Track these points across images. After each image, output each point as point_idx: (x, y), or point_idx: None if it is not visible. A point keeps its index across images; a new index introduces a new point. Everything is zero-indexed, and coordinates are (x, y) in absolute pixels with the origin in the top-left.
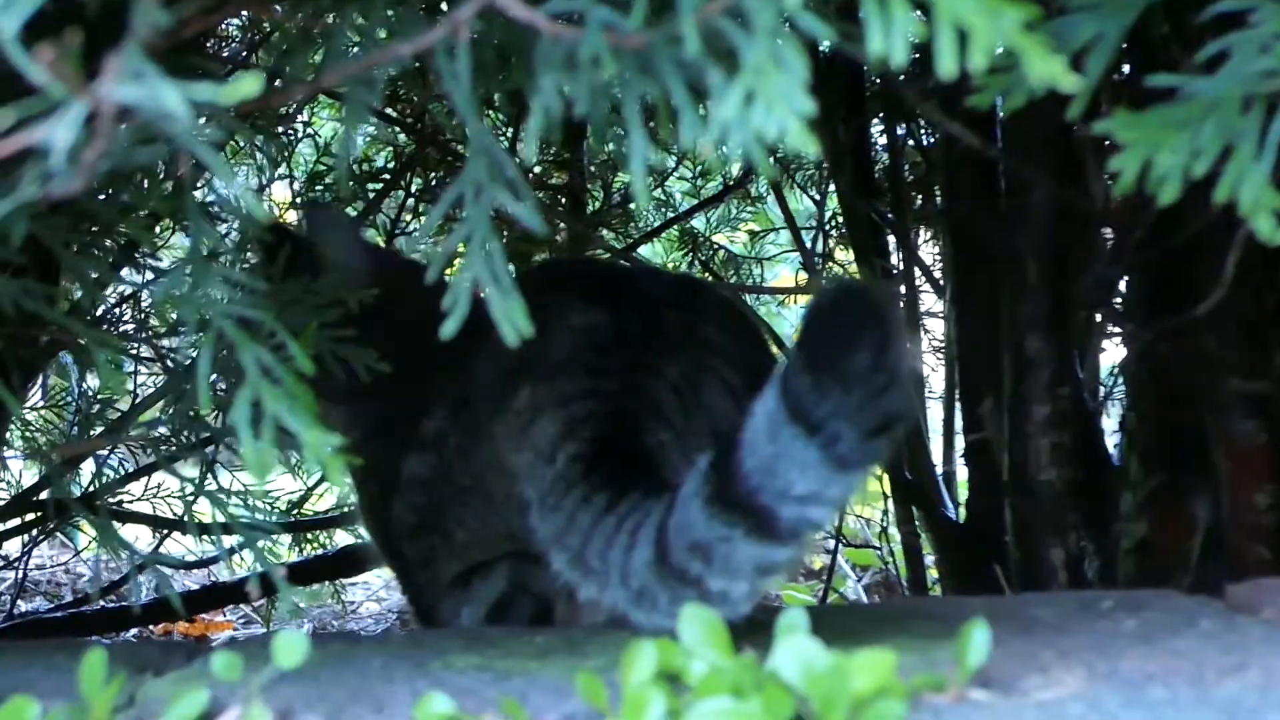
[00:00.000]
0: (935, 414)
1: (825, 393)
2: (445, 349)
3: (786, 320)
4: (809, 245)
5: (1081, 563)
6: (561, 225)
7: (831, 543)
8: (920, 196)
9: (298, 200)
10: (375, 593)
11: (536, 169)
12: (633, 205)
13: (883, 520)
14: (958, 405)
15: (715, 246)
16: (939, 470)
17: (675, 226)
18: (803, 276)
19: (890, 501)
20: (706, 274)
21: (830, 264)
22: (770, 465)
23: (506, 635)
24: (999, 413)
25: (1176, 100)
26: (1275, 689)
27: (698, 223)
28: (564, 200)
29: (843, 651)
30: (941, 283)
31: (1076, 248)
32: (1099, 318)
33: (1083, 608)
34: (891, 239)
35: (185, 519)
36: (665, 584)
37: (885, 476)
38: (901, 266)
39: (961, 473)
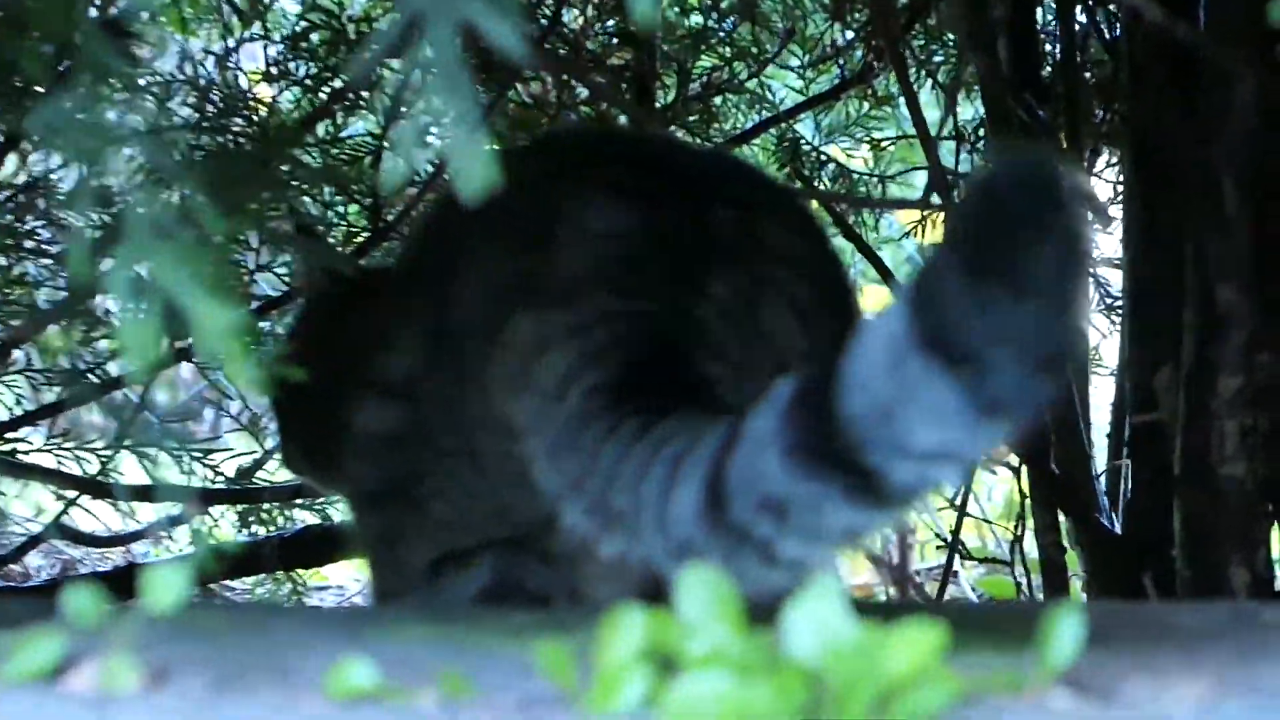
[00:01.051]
0: (1098, 392)
1: (988, 305)
2: (418, 260)
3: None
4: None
5: (1270, 587)
6: (621, 119)
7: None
8: (1101, 107)
9: (273, 69)
10: (349, 598)
11: (591, 44)
12: (717, 99)
13: (1017, 528)
14: (1126, 378)
15: (823, 158)
16: (1096, 463)
17: (773, 129)
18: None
19: (1029, 503)
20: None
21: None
22: (887, 410)
23: (477, 611)
24: (1177, 386)
25: None
26: None
27: (804, 127)
28: (626, 87)
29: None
30: (1117, 216)
31: None
32: None
33: (1236, 618)
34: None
35: (101, 479)
36: (718, 541)
37: (1023, 469)
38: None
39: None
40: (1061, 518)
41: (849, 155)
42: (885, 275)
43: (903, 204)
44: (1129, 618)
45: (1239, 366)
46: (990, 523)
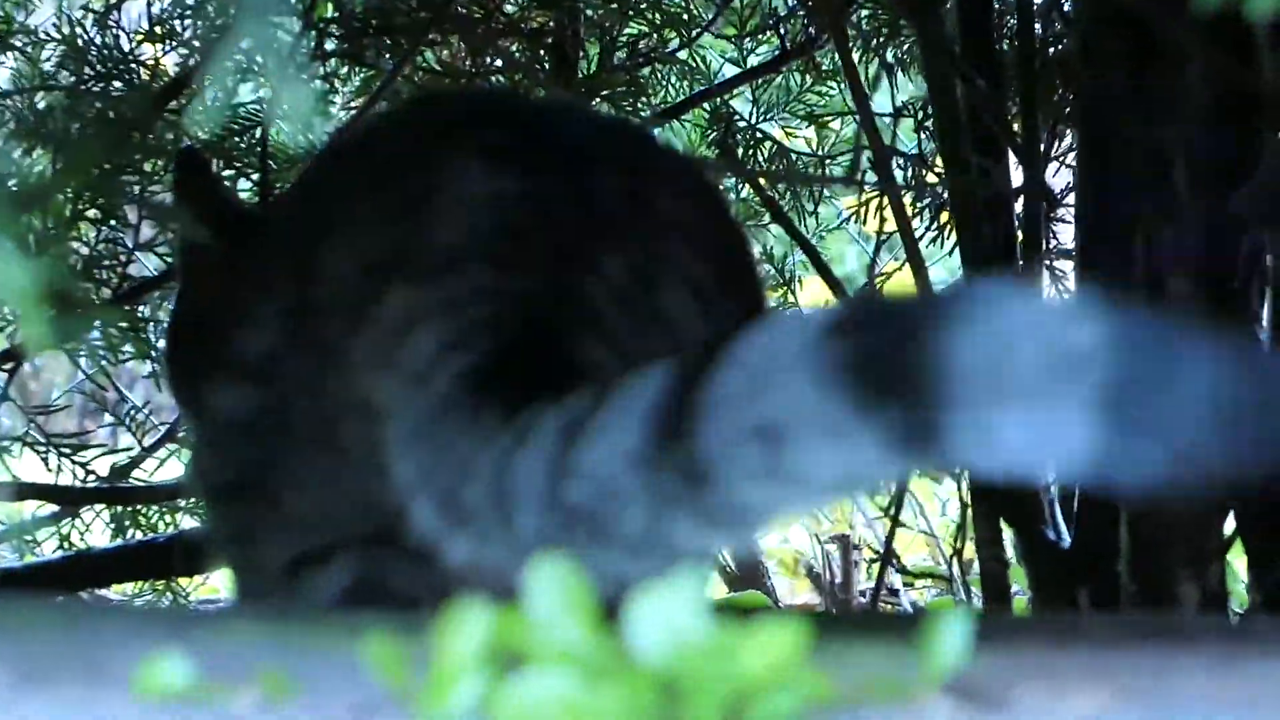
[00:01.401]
0: None
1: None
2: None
3: (853, 240)
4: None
5: (1225, 606)
6: (540, 91)
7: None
8: (1061, 85)
9: (156, 27)
10: None
11: (509, 6)
12: (645, 70)
13: (957, 540)
14: None
15: (758, 136)
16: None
17: (706, 104)
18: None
19: (969, 513)
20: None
21: (923, 169)
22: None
23: (321, 612)
24: None
25: None
26: None
27: (740, 102)
28: (545, 55)
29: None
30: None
31: (1244, 148)
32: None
33: (1161, 631)
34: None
35: None
36: (566, 533)
37: (963, 477)
38: (1021, 177)
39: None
40: (1007, 530)
41: (789, 134)
42: (819, 265)
43: (829, 180)
44: (1038, 627)
45: None
46: (931, 535)
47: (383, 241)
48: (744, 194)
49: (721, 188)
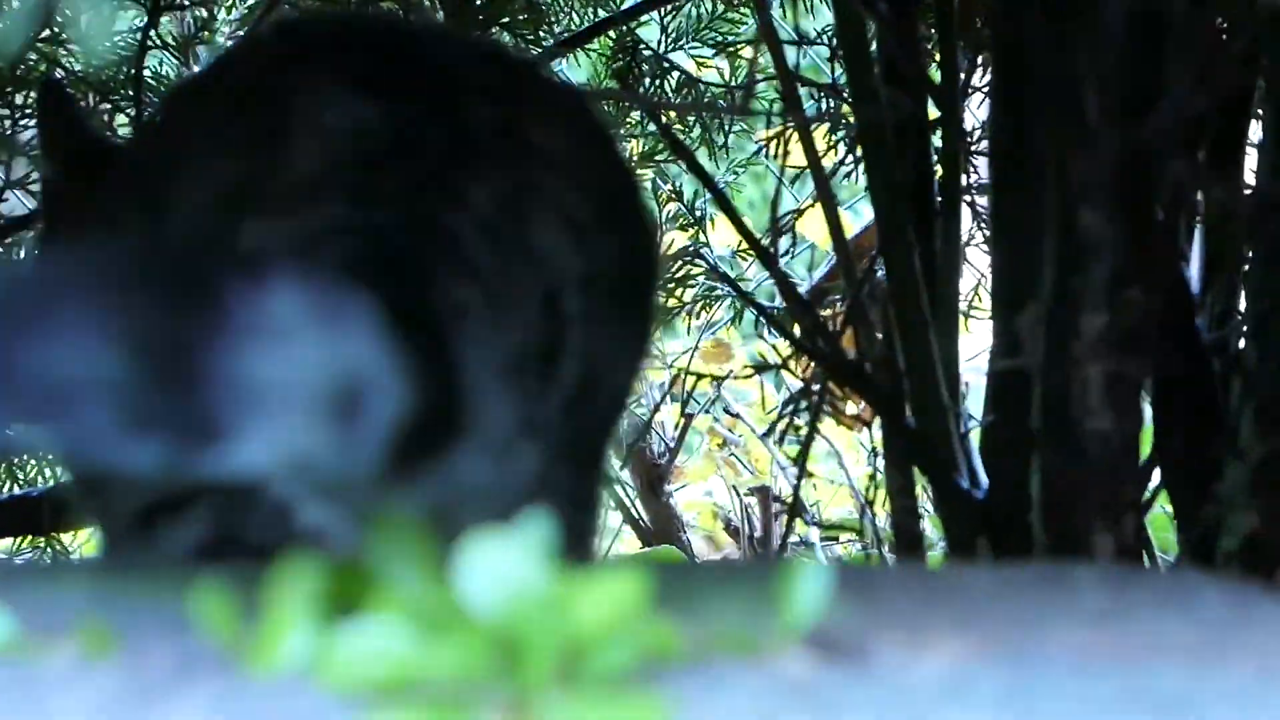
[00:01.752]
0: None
1: None
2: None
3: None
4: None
5: (1139, 558)
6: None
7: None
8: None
9: None
10: None
11: None
12: None
13: (869, 488)
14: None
15: (665, 66)
16: (959, 417)
17: (612, 32)
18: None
19: (880, 460)
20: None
21: (837, 98)
22: None
23: (162, 566)
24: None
25: None
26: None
27: (648, 32)
28: None
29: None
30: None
31: (1158, 74)
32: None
33: (1042, 580)
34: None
35: None
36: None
37: (876, 424)
38: (939, 111)
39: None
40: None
41: (701, 64)
42: (724, 204)
43: (723, 110)
44: (909, 579)
45: (1103, 303)
46: (851, 486)
47: (235, 173)
48: (650, 128)
49: (623, 121)
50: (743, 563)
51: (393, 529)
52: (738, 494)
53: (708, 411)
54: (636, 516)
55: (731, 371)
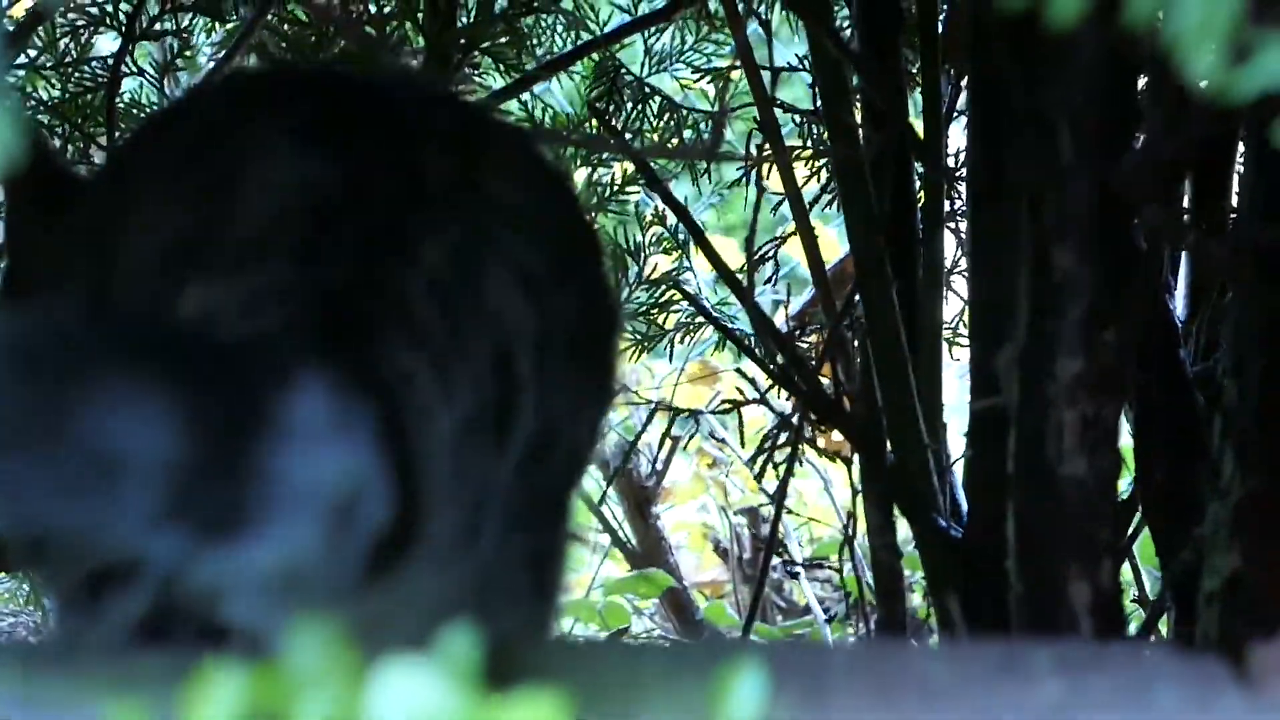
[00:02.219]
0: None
1: None
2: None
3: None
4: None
5: (1117, 604)
6: (411, 44)
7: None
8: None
9: None
10: None
11: None
12: (527, 18)
13: (848, 528)
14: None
15: (646, 91)
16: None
17: (592, 55)
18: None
19: (860, 500)
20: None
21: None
22: None
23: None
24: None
25: None
26: None
27: (630, 54)
28: (420, 7)
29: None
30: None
31: (1130, 115)
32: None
33: (999, 669)
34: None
35: None
36: None
37: (856, 463)
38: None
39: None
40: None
41: (685, 87)
42: (696, 234)
43: (683, 154)
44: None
45: (1078, 346)
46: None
47: (181, 229)
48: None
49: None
50: (687, 645)
51: (315, 638)
52: (726, 515)
53: (694, 434)
54: (624, 539)
55: (705, 408)
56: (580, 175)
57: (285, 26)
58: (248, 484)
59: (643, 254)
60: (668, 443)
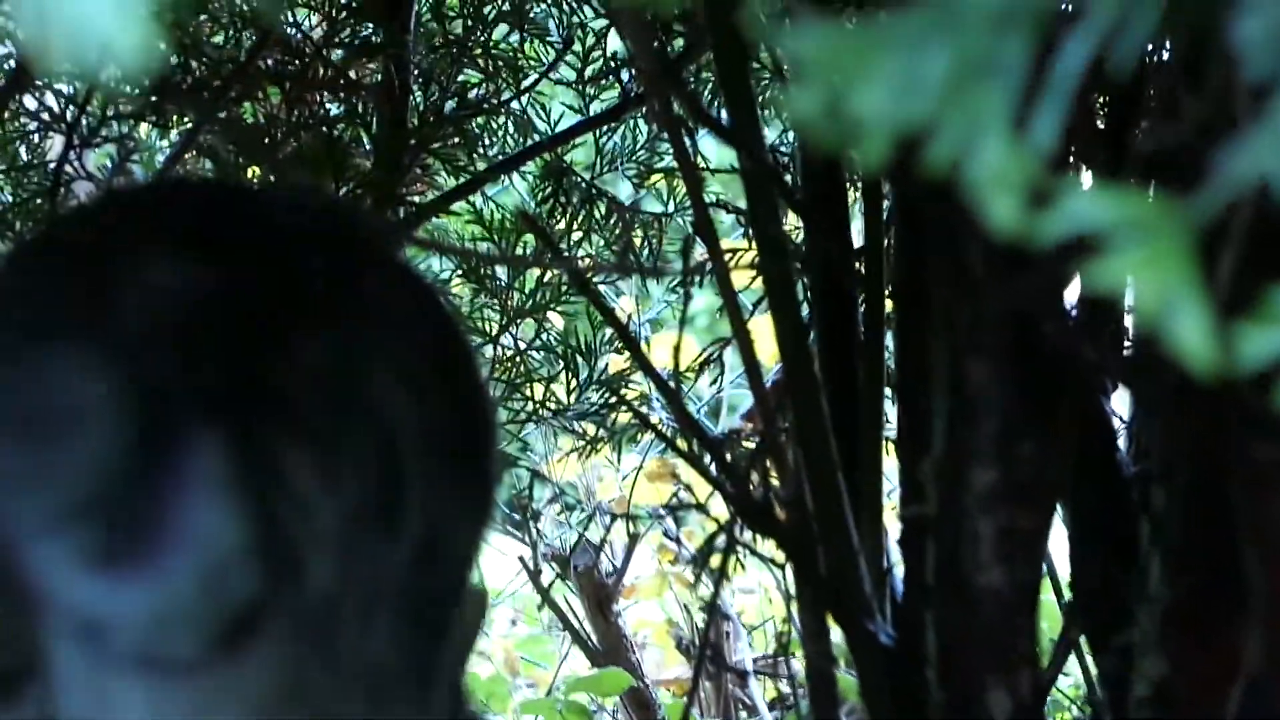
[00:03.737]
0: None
1: None
2: None
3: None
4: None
5: (1037, 715)
6: (360, 147)
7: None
8: None
9: None
10: None
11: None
12: (477, 119)
13: (784, 633)
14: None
15: (595, 193)
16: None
17: (543, 156)
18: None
19: (795, 605)
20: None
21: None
22: None
23: None
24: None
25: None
26: None
27: (581, 153)
28: (369, 110)
29: None
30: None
31: None
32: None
33: None
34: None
35: None
36: None
37: (791, 567)
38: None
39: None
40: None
41: (639, 185)
42: (629, 343)
43: (607, 268)
44: None
45: (993, 457)
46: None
47: (60, 333)
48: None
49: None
50: None
51: None
52: (688, 612)
53: (641, 534)
54: (585, 637)
55: (660, 508)
56: (532, 275)
57: (233, 131)
58: (143, 518)
59: (595, 353)
60: (624, 540)
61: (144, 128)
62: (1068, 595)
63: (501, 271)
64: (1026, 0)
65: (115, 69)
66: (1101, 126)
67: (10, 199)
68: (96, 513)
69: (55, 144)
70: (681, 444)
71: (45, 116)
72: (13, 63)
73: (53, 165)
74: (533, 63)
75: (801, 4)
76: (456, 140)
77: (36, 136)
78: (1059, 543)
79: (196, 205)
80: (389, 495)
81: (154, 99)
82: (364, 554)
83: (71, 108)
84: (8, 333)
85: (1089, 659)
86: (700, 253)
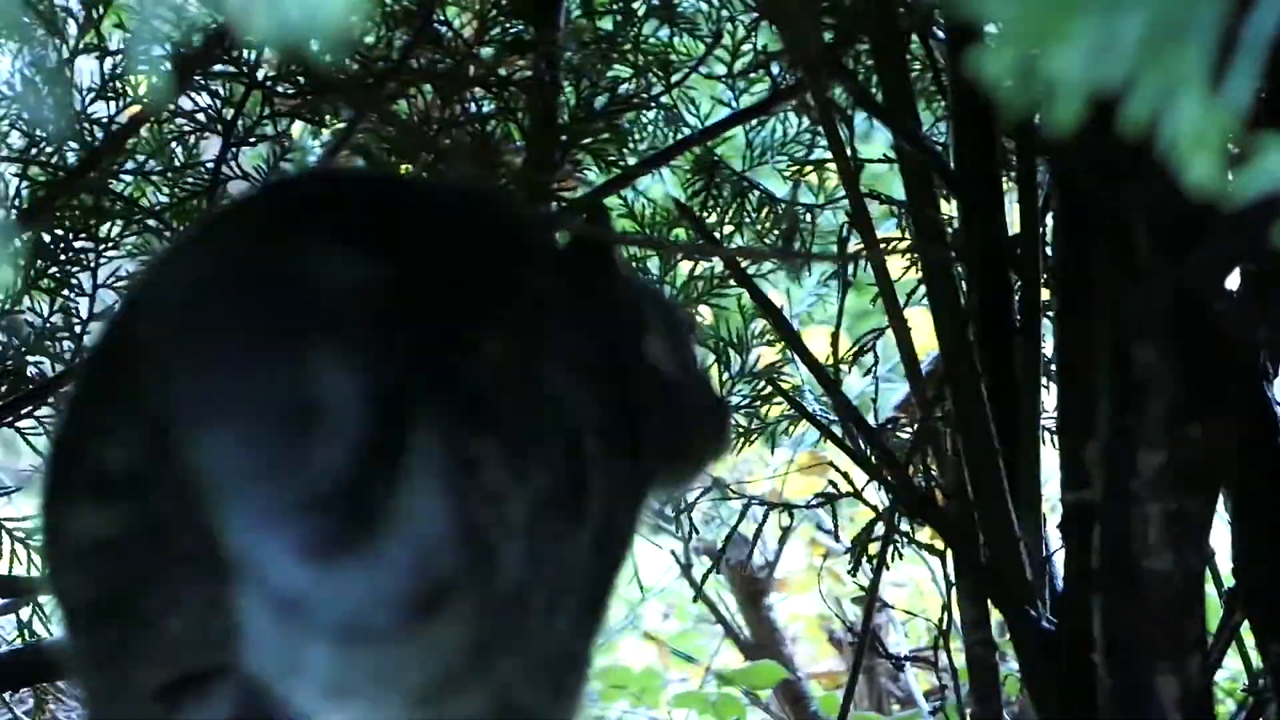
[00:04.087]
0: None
1: None
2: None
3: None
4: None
5: (1207, 699)
6: (512, 143)
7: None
8: None
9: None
10: None
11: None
12: (627, 114)
13: (942, 621)
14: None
15: (745, 185)
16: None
17: (693, 150)
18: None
19: (955, 593)
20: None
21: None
22: None
23: None
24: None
25: None
26: None
27: (730, 147)
28: (520, 106)
29: None
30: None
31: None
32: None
33: None
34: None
35: None
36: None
37: (950, 555)
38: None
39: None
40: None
41: (788, 178)
42: (789, 334)
43: (766, 254)
44: None
45: (1162, 440)
46: (913, 615)
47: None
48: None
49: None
50: None
51: None
52: (840, 605)
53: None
54: (737, 630)
55: (809, 500)
56: (684, 268)
57: (389, 128)
58: (360, 508)
59: (746, 346)
60: (777, 533)
61: (298, 127)
62: (1227, 583)
63: (654, 264)
64: None
65: (314, 38)
66: None
67: (167, 199)
68: (326, 505)
69: (211, 145)
70: (838, 434)
71: (201, 117)
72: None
73: (210, 164)
74: (682, 57)
75: None
76: (607, 135)
77: (192, 138)
78: (1218, 529)
79: (361, 200)
80: (574, 482)
81: (309, 97)
82: (551, 539)
83: (228, 108)
84: (256, 329)
85: (1250, 648)
86: (855, 242)
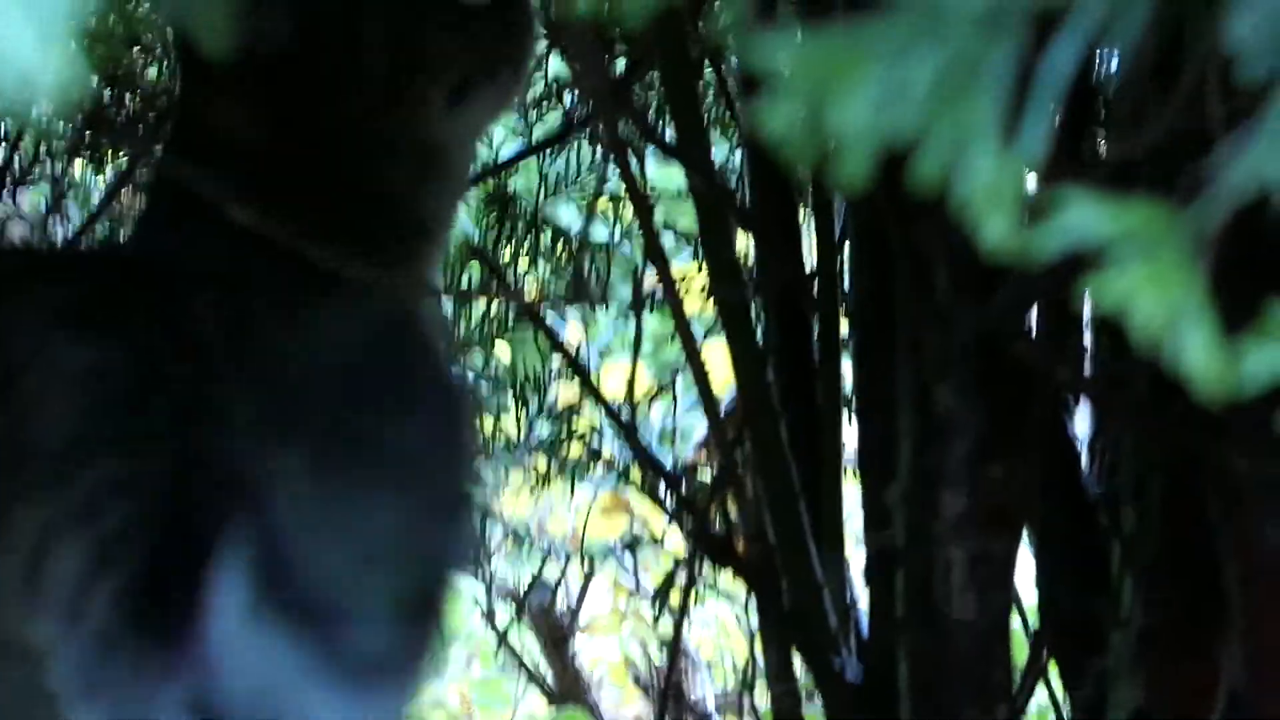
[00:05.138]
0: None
1: None
2: None
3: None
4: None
5: None
6: None
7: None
8: None
9: None
10: None
11: None
12: None
13: (746, 672)
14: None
15: (541, 221)
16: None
17: (484, 184)
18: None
19: (758, 643)
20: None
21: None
22: None
23: None
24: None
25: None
26: None
27: (522, 179)
28: None
29: None
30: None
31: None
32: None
33: None
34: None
35: None
36: None
37: (753, 604)
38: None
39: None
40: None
41: (581, 212)
42: (579, 372)
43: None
44: None
45: (964, 482)
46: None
47: None
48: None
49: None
50: None
51: None
52: (645, 648)
53: (593, 573)
54: (541, 678)
55: (610, 543)
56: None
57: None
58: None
59: (543, 385)
60: (580, 577)
61: (78, 165)
62: (1034, 622)
63: (447, 302)
64: (1014, 0)
65: (41, 104)
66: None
67: None
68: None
69: None
70: (636, 477)
71: None
72: None
73: None
74: None
75: (769, 14)
76: None
77: None
78: (1021, 568)
79: (66, 268)
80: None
81: (87, 134)
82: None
83: (2, 146)
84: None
85: (1057, 688)
86: (650, 279)
